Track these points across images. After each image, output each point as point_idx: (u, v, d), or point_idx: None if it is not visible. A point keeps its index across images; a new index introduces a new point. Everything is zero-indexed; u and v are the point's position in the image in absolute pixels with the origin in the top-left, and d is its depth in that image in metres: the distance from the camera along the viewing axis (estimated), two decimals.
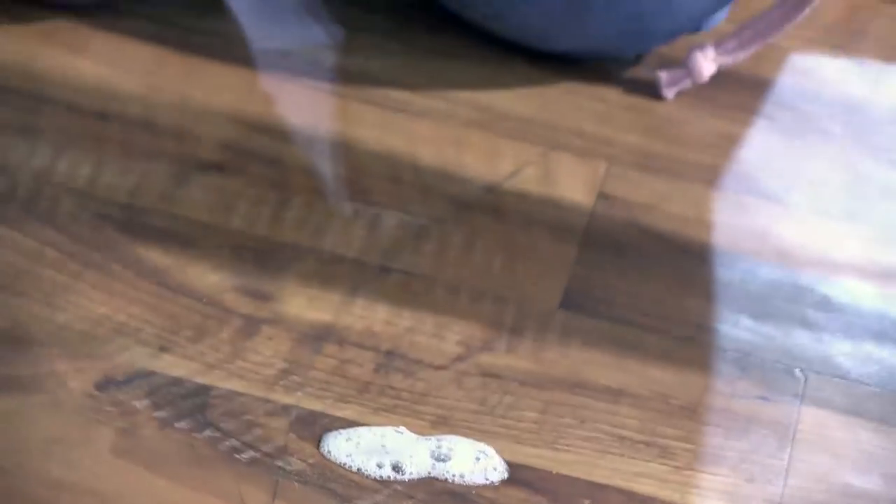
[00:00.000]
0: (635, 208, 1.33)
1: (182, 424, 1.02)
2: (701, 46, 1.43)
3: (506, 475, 1.04)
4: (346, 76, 1.43)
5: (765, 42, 1.45)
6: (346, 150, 1.35)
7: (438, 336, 1.14)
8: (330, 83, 1.42)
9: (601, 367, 1.14)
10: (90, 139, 1.28)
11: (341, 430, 1.04)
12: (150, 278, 1.14)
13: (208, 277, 1.16)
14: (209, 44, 1.43)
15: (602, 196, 1.34)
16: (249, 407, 1.06)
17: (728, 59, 1.44)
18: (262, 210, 1.24)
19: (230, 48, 1.43)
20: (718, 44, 1.44)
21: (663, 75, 1.44)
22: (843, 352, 1.21)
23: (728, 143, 1.43)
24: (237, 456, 1.02)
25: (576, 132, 1.40)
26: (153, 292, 1.13)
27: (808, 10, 1.43)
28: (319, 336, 1.13)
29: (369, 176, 1.31)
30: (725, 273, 1.29)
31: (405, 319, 1.16)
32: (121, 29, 1.42)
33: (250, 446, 1.03)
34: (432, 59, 1.46)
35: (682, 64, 1.43)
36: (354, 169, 1.33)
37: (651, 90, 1.44)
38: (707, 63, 1.43)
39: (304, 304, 1.16)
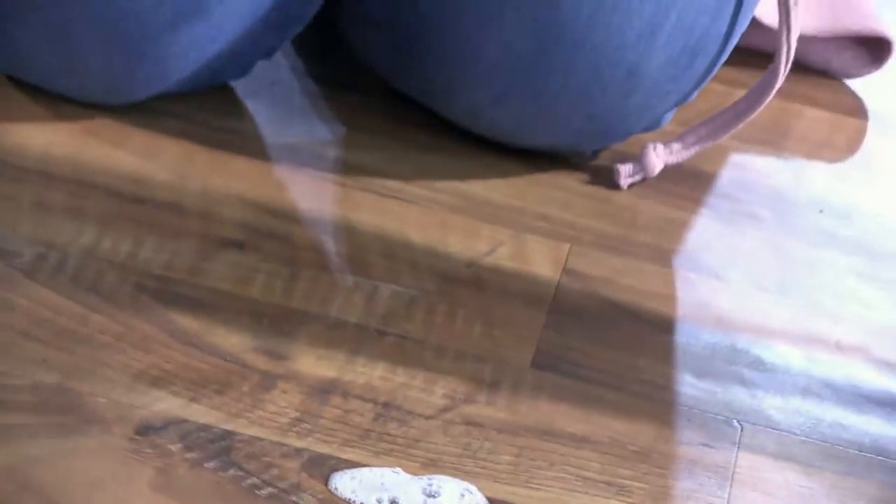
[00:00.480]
0: (595, 282, 1.34)
1: (210, 465, 1.02)
2: (653, 145, 1.43)
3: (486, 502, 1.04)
4: (346, 168, 1.42)
5: (704, 146, 1.46)
6: (346, 231, 1.34)
7: (427, 390, 1.15)
8: (332, 174, 1.41)
9: (567, 417, 1.14)
10: (129, 220, 1.29)
11: (346, 470, 1.02)
12: (181, 339, 1.14)
13: (231, 339, 1.15)
14: (229, 139, 1.42)
15: (566, 271, 1.34)
16: (267, 450, 1.04)
17: (675, 158, 1.44)
18: (275, 282, 1.23)
19: (247, 143, 1.42)
20: (667, 144, 1.44)
21: (620, 168, 1.44)
22: (775, 406, 1.22)
23: (674, 227, 1.45)
24: (257, 492, 1.00)
25: (542, 217, 1.41)
26: (184, 351, 1.13)
27: (741, 125, 1.45)
28: (326, 389, 1.12)
29: (367, 253, 1.30)
30: (673, 338, 1.30)
31: (399, 376, 1.15)
32: (154, 126, 1.41)
33: (268, 484, 1.01)
34: (420, 152, 1.46)
35: (636, 159, 1.44)
36: (354, 247, 1.32)
37: (608, 180, 1.45)
38: (657, 160, 1.43)
39: (313, 363, 1.14)
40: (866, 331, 1.33)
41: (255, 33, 1.35)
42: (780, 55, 1.44)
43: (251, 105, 1.46)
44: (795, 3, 1.43)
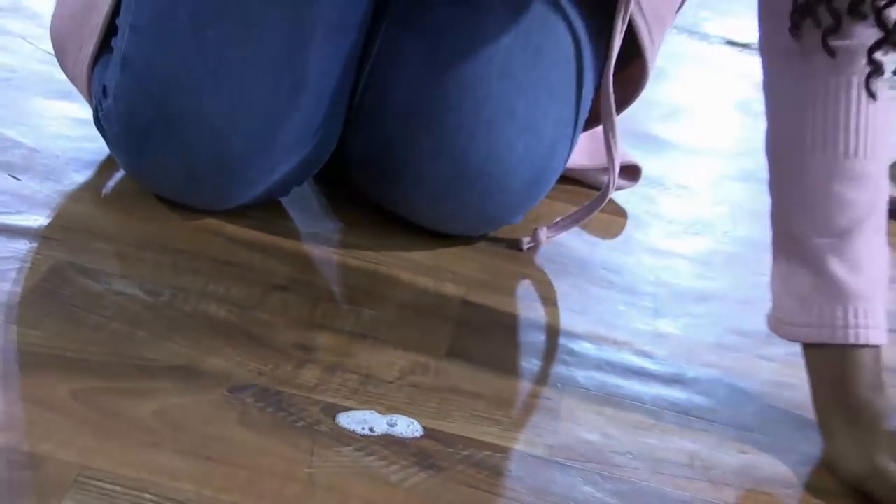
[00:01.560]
0: (483, 309, 1.33)
1: (269, 409, 1.04)
2: (540, 228, 1.43)
3: (422, 433, 1.05)
4: (344, 244, 1.39)
5: (565, 231, 1.47)
6: (343, 280, 1.33)
7: (390, 367, 1.15)
8: (335, 248, 1.38)
9: (467, 382, 1.15)
10: (231, 268, 1.28)
11: (345, 412, 1.06)
12: (258, 339, 1.15)
13: (281, 336, 1.16)
14: (279, 229, 1.38)
15: (465, 302, 1.34)
16: (301, 401, 1.07)
17: (552, 235, 1.45)
18: (304, 307, 1.23)
19: (289, 230, 1.39)
20: (549, 227, 1.44)
21: (523, 239, 1.44)
22: (581, 374, 1.24)
23: (531, 282, 1.44)
24: (295, 424, 1.02)
25: (453, 270, 1.39)
26: (251, 346, 1.15)
27: (596, 212, 1.46)
28: (332, 368, 1.12)
29: (356, 291, 1.30)
30: (526, 339, 1.32)
31: (374, 360, 1.16)
32: (239, 222, 1.38)
33: (302, 420, 1.04)
34: (387, 235, 1.42)
35: (530, 235, 1.43)
36: (348, 287, 1.30)
37: (515, 247, 1.44)
38: (543, 235, 1.43)
39: (326, 352, 1.16)
40: (631, 333, 1.33)
41: (297, 173, 1.35)
42: (611, 180, 1.45)
43: (291, 209, 1.44)
44: (616, 150, 1.44)
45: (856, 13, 1.12)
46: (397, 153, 1.35)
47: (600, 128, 1.46)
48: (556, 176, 1.44)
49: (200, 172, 1.30)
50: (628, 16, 1.40)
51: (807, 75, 1.18)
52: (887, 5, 1.10)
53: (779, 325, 1.18)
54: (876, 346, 1.13)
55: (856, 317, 1.13)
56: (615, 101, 1.44)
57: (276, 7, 1.25)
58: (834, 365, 1.14)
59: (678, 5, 1.53)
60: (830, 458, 1.13)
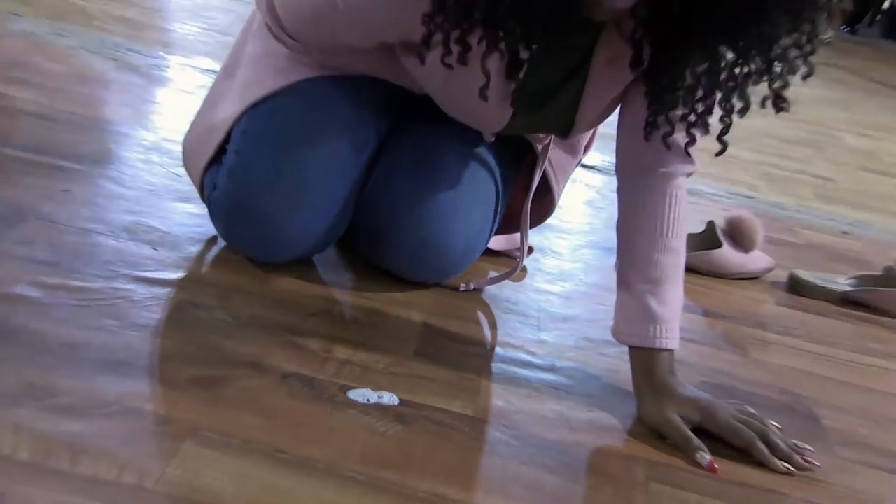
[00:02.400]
0: (434, 325, 1.34)
1: (304, 389, 1.05)
2: (471, 281, 1.42)
3: (398, 402, 1.06)
4: (351, 284, 1.37)
5: (493, 283, 1.45)
6: (351, 315, 1.30)
7: (374, 363, 1.16)
8: (345, 289, 1.35)
9: (433, 371, 1.17)
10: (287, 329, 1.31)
11: (352, 389, 1.07)
12: (301, 344, 1.17)
13: (315, 344, 1.17)
14: (315, 275, 1.37)
15: (424, 324, 1.32)
16: (324, 383, 1.07)
17: (479, 286, 1.42)
18: (332, 326, 1.23)
19: (313, 276, 1.37)
20: (476, 281, 1.42)
21: (461, 286, 1.41)
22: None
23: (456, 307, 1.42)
24: (320, 396, 1.04)
25: (418, 304, 1.37)
26: (298, 346, 1.17)
27: (518, 271, 1.46)
28: (344, 361, 1.13)
29: (360, 325, 1.27)
30: (484, 345, 1.32)
31: (370, 359, 1.17)
32: (292, 273, 1.35)
33: (324, 393, 1.05)
34: (377, 281, 1.38)
35: (465, 284, 1.41)
36: (353, 321, 1.28)
37: (455, 289, 1.41)
38: (472, 285, 1.41)
39: (342, 354, 1.16)
40: (523, 340, 1.33)
41: (325, 242, 1.34)
42: (522, 255, 1.47)
43: (319, 265, 1.39)
44: (525, 246, 1.46)
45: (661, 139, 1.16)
46: (387, 232, 1.34)
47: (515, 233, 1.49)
48: (480, 251, 1.43)
49: (266, 243, 1.30)
50: (542, 168, 1.42)
51: (645, 187, 1.22)
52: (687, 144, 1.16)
53: (617, 334, 1.21)
54: (671, 350, 1.17)
55: (661, 332, 1.17)
56: (533, 219, 1.49)
57: (330, 156, 1.28)
58: (647, 359, 1.17)
59: (576, 164, 1.54)
60: (642, 414, 1.16)
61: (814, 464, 1.12)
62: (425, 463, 0.98)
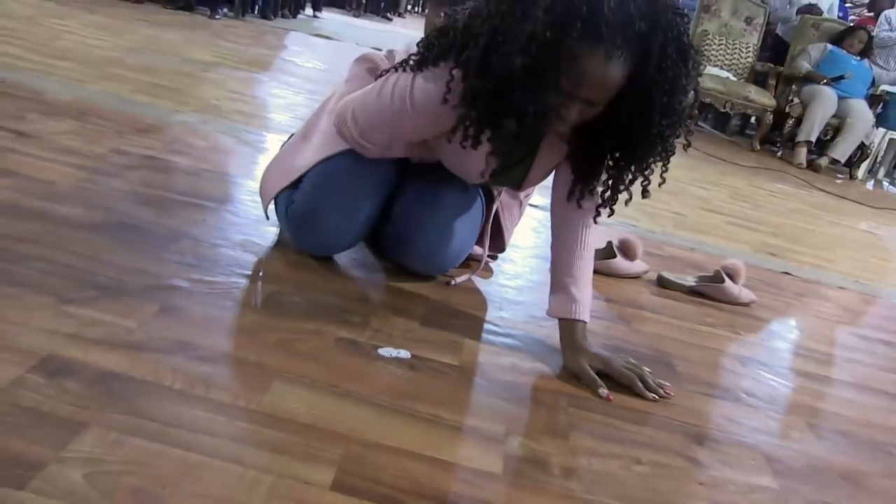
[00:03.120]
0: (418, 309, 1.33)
1: (351, 347, 1.08)
2: (457, 276, 1.40)
3: (410, 356, 1.08)
4: (368, 271, 1.34)
5: (470, 276, 1.42)
6: (377, 290, 1.27)
7: (391, 338, 1.13)
8: (364, 285, 1.31)
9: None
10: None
11: (380, 347, 1.08)
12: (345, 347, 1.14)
13: (341, 332, 1.14)
14: (353, 262, 1.35)
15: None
16: (364, 344, 1.09)
17: (462, 280, 1.40)
18: (351, 323, 1.19)
19: (337, 272, 1.33)
20: (460, 278, 1.39)
21: (453, 279, 1.38)
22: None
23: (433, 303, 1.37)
24: (362, 351, 1.05)
25: (398, 302, 1.32)
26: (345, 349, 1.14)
27: (480, 269, 1.44)
28: (377, 330, 1.13)
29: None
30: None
31: (397, 334, 1.15)
32: (327, 271, 1.32)
33: (364, 350, 1.07)
34: (398, 272, 1.35)
35: (455, 279, 1.38)
36: (380, 294, 1.26)
37: (444, 284, 1.37)
38: (460, 279, 1.40)
39: (383, 335, 1.14)
40: (491, 316, 1.30)
41: (358, 239, 1.35)
42: (483, 258, 1.47)
43: (359, 264, 1.38)
44: (486, 246, 1.46)
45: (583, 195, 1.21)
46: (404, 238, 1.33)
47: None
48: (466, 254, 1.41)
49: (323, 241, 1.32)
50: (495, 209, 1.45)
51: (568, 220, 1.24)
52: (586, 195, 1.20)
53: (551, 312, 1.22)
54: (585, 322, 1.20)
55: (579, 310, 1.20)
56: (496, 248, 1.50)
57: (365, 190, 1.30)
58: (569, 327, 1.20)
59: (518, 204, 1.52)
60: (566, 364, 1.18)
61: (670, 394, 1.17)
62: (427, 395, 1.00)
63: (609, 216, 1.18)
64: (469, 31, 1.01)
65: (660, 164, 1.09)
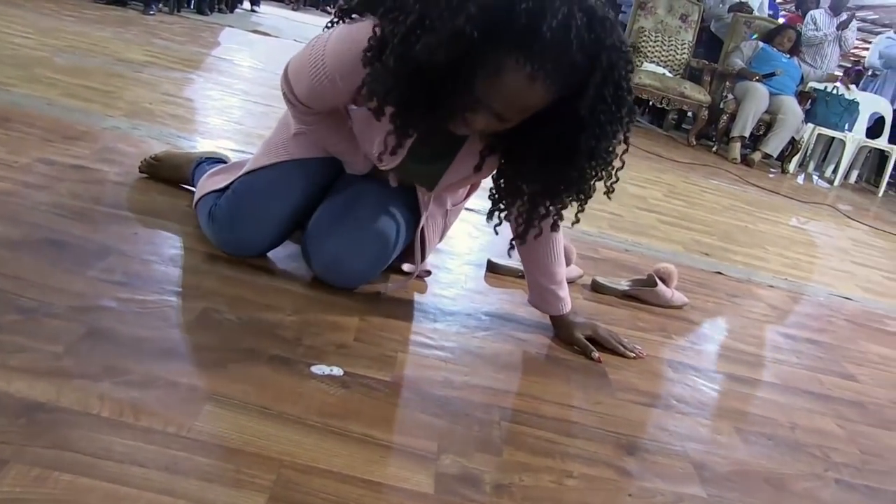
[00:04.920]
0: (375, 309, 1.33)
1: (285, 368, 1.07)
2: (387, 285, 1.39)
3: (343, 373, 1.07)
4: (310, 287, 1.33)
5: (399, 288, 1.40)
6: (327, 322, 1.25)
7: (333, 357, 1.18)
8: (317, 290, 1.30)
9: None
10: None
11: (314, 365, 1.07)
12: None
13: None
14: (291, 274, 1.35)
15: (362, 318, 1.28)
16: (295, 362, 1.06)
17: (397, 287, 1.40)
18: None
19: (292, 279, 1.33)
20: (390, 286, 1.39)
21: (379, 290, 1.37)
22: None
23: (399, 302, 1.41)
24: (294, 368, 1.05)
25: (353, 303, 1.32)
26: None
27: (411, 280, 1.43)
28: (314, 345, 1.13)
29: (319, 306, 1.27)
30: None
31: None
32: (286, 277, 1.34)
33: (296, 370, 1.05)
34: (312, 290, 1.36)
35: (384, 288, 1.37)
36: (337, 328, 1.23)
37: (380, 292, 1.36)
38: (390, 288, 1.40)
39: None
40: (431, 330, 1.32)
41: (279, 244, 1.39)
42: (416, 268, 1.45)
43: (295, 281, 1.36)
44: (418, 268, 1.45)
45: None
46: (314, 245, 1.33)
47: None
48: (380, 269, 1.38)
49: (242, 243, 1.36)
50: (421, 224, 1.41)
51: (532, 247, 1.32)
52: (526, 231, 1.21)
53: (548, 310, 1.39)
54: (567, 314, 1.39)
55: (565, 306, 1.38)
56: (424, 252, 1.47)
57: (283, 198, 1.33)
58: (560, 321, 1.40)
59: (444, 212, 1.48)
60: (560, 336, 1.39)
61: (643, 354, 1.40)
62: (359, 414, 1.00)
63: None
64: (399, 2, 0.97)
65: (576, 203, 1.11)
